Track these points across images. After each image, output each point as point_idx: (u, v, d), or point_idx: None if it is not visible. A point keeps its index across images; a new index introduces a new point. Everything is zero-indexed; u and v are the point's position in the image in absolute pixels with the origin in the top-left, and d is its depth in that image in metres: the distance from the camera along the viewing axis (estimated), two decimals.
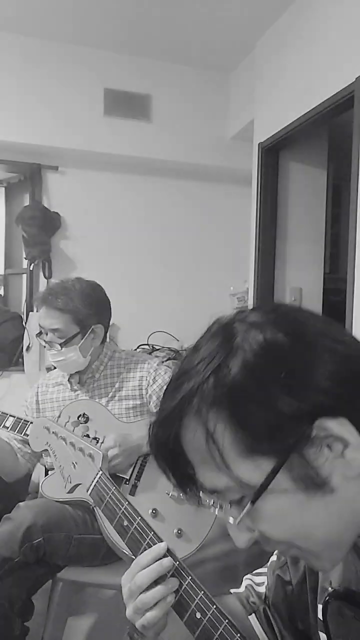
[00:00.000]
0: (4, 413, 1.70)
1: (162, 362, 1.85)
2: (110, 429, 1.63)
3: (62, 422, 1.59)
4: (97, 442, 1.64)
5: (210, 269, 3.63)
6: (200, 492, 0.63)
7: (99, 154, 3.26)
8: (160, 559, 0.77)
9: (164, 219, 3.57)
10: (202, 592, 0.73)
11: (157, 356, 3.04)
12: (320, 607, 0.71)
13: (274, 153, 2.96)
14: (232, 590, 0.90)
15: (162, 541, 0.80)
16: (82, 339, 1.72)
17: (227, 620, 0.69)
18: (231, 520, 0.60)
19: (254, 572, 0.91)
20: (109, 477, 0.95)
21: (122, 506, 0.89)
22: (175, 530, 1.56)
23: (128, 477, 1.63)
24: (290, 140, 2.82)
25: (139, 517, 0.85)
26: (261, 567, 0.90)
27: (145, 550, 0.80)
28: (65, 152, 3.23)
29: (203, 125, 3.40)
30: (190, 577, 0.75)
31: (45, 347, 1.75)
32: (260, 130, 2.99)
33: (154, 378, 1.76)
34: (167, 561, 0.77)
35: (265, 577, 0.87)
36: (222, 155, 3.45)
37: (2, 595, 1.47)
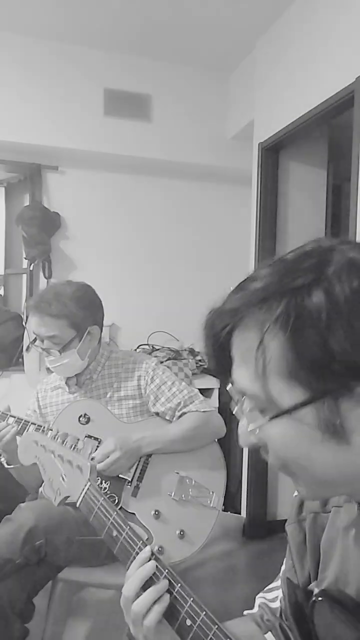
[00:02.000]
0: (5, 413, 1.68)
1: (161, 362, 1.84)
2: (111, 429, 1.63)
3: (52, 434, 1.58)
4: (98, 442, 1.64)
5: (210, 269, 3.63)
6: (230, 385, 0.64)
7: (99, 154, 3.26)
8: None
9: (164, 219, 3.57)
10: (192, 598, 0.73)
11: (156, 356, 3.04)
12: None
13: (274, 153, 2.96)
14: (245, 612, 0.89)
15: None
16: (79, 342, 1.71)
17: (216, 626, 0.69)
18: (244, 422, 0.62)
19: (265, 589, 0.90)
20: (97, 488, 0.95)
21: (111, 517, 0.89)
22: (177, 532, 1.56)
23: (130, 479, 1.63)
24: (290, 140, 2.82)
25: (128, 527, 0.86)
26: (272, 583, 0.90)
27: (134, 559, 0.80)
28: (65, 152, 3.24)
29: (203, 125, 3.40)
30: (179, 585, 0.74)
31: (42, 353, 1.74)
32: (260, 130, 2.99)
33: (152, 377, 1.75)
34: (150, 564, 0.76)
35: (278, 591, 0.86)
36: (222, 155, 3.45)
37: (3, 597, 1.47)
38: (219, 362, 0.64)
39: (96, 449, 1.62)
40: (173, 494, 1.59)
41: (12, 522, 1.53)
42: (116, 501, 1.57)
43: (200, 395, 1.78)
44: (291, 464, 0.60)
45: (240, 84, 3.32)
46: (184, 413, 1.71)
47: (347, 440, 0.56)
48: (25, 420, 1.69)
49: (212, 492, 1.63)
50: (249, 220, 3.11)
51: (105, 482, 1.60)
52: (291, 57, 2.69)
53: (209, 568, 2.59)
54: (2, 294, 3.48)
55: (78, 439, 1.64)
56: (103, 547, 1.56)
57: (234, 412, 0.64)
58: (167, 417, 1.73)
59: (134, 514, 1.58)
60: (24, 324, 3.30)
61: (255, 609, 0.89)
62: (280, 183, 3.00)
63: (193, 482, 1.62)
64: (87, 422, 1.66)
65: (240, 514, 3.10)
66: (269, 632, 0.84)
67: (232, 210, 3.64)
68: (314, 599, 0.69)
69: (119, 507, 1.56)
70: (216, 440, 1.75)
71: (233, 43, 3.07)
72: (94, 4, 2.73)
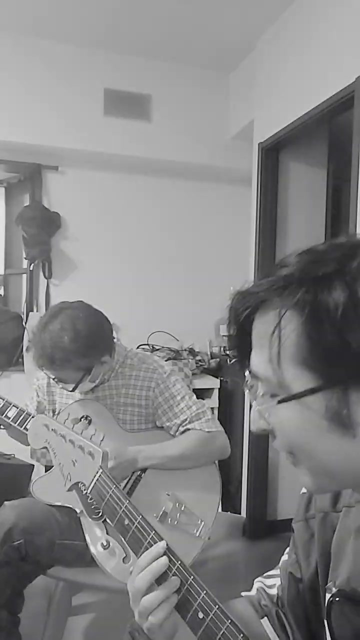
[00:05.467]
0: (8, 402, 1.67)
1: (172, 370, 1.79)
2: (109, 435, 1.57)
3: (61, 419, 1.59)
4: None
5: (210, 269, 3.63)
6: (246, 369, 0.65)
7: (99, 154, 3.26)
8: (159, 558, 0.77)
9: (164, 219, 3.57)
10: (205, 591, 0.72)
11: (156, 356, 3.03)
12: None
13: (274, 153, 2.96)
14: (243, 593, 0.89)
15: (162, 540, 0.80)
16: (90, 374, 1.64)
17: (229, 621, 0.69)
18: (255, 405, 0.63)
19: (264, 574, 0.90)
20: (109, 475, 0.94)
21: (123, 505, 0.88)
22: None
23: None
24: (290, 140, 2.81)
25: (140, 516, 0.85)
26: (272, 570, 0.89)
27: (146, 549, 0.80)
28: (65, 152, 3.23)
29: (203, 125, 3.40)
30: (192, 577, 0.74)
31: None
32: (260, 130, 2.99)
33: (162, 390, 1.70)
34: (164, 559, 0.76)
35: (276, 579, 0.86)
36: (222, 155, 3.45)
37: None
38: (239, 345, 0.65)
39: None
40: (159, 516, 1.51)
41: None
42: (100, 514, 1.46)
43: (209, 413, 1.71)
44: (296, 449, 0.61)
45: (240, 84, 3.32)
46: (187, 429, 1.65)
47: (353, 432, 0.56)
48: (27, 413, 1.67)
49: (201, 522, 1.55)
50: (249, 220, 3.11)
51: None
52: (291, 57, 2.69)
53: (209, 568, 2.59)
54: (2, 294, 3.48)
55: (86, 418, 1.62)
56: (86, 553, 1.52)
57: (248, 395, 0.65)
58: (171, 432, 1.68)
59: None
60: (24, 324, 3.30)
61: (253, 592, 0.89)
62: (280, 183, 3.00)
63: (183, 507, 1.54)
64: (88, 424, 1.63)
65: (240, 514, 3.10)
66: (265, 617, 0.84)
67: (232, 210, 3.63)
68: (330, 599, 0.68)
69: (102, 520, 1.47)
70: (215, 462, 1.68)
71: (233, 43, 3.07)
72: (94, 4, 2.72)
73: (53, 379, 1.68)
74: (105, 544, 1.42)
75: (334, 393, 0.56)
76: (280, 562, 0.86)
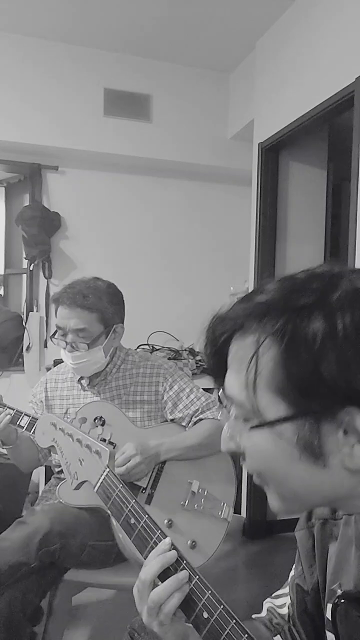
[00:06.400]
0: (19, 412, 1.66)
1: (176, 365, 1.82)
2: (127, 434, 1.60)
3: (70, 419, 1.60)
4: (114, 446, 1.60)
5: (210, 269, 3.63)
6: (220, 390, 0.66)
7: (99, 154, 3.26)
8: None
9: (164, 219, 3.57)
10: (210, 591, 0.72)
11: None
12: (329, 606, 0.71)
13: (274, 153, 2.96)
14: (254, 616, 0.89)
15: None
16: (105, 339, 1.68)
17: (234, 620, 0.69)
18: (227, 427, 0.65)
19: (273, 595, 0.90)
20: (115, 474, 0.94)
21: (129, 504, 0.88)
22: (189, 542, 1.55)
23: (145, 486, 1.60)
24: (290, 140, 2.81)
25: (146, 515, 0.85)
26: (280, 589, 0.90)
27: (152, 549, 0.80)
28: (65, 152, 3.23)
29: (203, 125, 3.40)
30: (197, 577, 0.74)
31: (65, 348, 1.67)
32: (260, 130, 2.99)
33: (171, 384, 1.73)
34: (172, 553, 0.76)
35: (285, 598, 0.87)
36: (222, 155, 3.45)
37: (15, 602, 1.44)
38: (215, 367, 0.66)
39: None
40: (186, 503, 1.58)
41: (27, 526, 1.51)
42: None
43: (217, 403, 1.76)
44: (266, 475, 0.62)
45: (240, 84, 3.32)
46: (200, 419, 1.69)
47: (323, 461, 0.57)
48: (17, 411, 1.66)
49: (223, 504, 1.62)
50: (249, 220, 3.11)
51: None
52: (291, 57, 2.69)
53: (209, 568, 2.59)
54: (2, 294, 3.48)
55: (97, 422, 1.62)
56: (113, 550, 1.55)
57: (219, 416, 0.67)
58: (184, 424, 1.71)
59: None
60: (24, 324, 3.30)
61: (264, 614, 0.89)
62: (280, 183, 3.00)
63: (205, 492, 1.61)
64: (102, 425, 1.62)
65: (240, 514, 3.10)
66: (278, 636, 0.84)
67: (232, 210, 3.64)
68: (336, 601, 0.69)
69: None
70: None
71: (233, 43, 3.07)
72: (94, 4, 2.72)
73: (64, 336, 1.66)
74: None
75: (306, 423, 0.56)
76: (289, 578, 0.86)
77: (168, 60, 3.28)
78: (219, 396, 0.67)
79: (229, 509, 1.63)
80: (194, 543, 1.55)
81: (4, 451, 1.75)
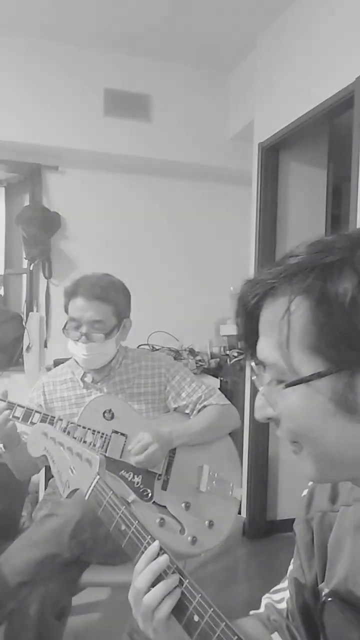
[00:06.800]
0: (12, 403, 1.65)
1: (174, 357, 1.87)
2: (136, 425, 1.65)
3: (84, 417, 1.62)
4: (126, 437, 1.64)
5: (210, 269, 3.63)
6: (252, 358, 0.66)
7: (99, 154, 3.26)
8: (156, 558, 0.77)
9: (164, 219, 3.57)
10: (200, 594, 0.72)
11: None
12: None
13: (274, 153, 2.96)
14: (251, 612, 0.90)
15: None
16: (117, 331, 1.74)
17: (224, 623, 0.69)
18: (261, 390, 0.64)
19: (272, 590, 0.91)
20: (106, 482, 0.95)
21: (120, 510, 0.89)
22: (207, 522, 1.62)
23: (160, 472, 1.65)
24: (290, 140, 2.82)
25: (136, 521, 0.85)
26: (279, 584, 0.90)
27: (142, 554, 0.80)
28: (65, 152, 3.24)
29: (203, 125, 3.40)
30: (187, 580, 0.74)
31: (78, 340, 1.69)
32: (260, 130, 2.99)
33: (173, 374, 1.79)
34: (163, 558, 0.77)
35: (284, 592, 0.87)
36: (222, 155, 3.45)
37: (47, 598, 1.44)
38: (246, 333, 0.66)
39: (123, 444, 1.63)
40: (200, 486, 1.66)
41: (58, 517, 1.52)
42: (150, 495, 1.60)
43: (218, 390, 1.84)
44: (301, 435, 0.61)
45: (240, 84, 3.32)
46: (204, 406, 1.77)
47: (358, 416, 0.57)
48: (28, 409, 1.64)
49: (232, 484, 1.71)
50: (249, 220, 3.11)
51: (137, 476, 1.62)
52: (291, 57, 2.69)
53: (209, 568, 2.59)
54: (2, 294, 3.48)
55: (101, 433, 1.64)
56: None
57: (253, 381, 0.66)
58: (187, 411, 1.78)
59: (165, 506, 1.60)
60: (24, 324, 3.30)
61: (262, 609, 0.89)
62: (280, 183, 3.00)
63: (215, 474, 1.69)
64: (111, 418, 1.66)
65: (240, 514, 3.10)
66: (276, 632, 0.84)
67: (232, 210, 3.64)
68: (323, 599, 0.69)
69: (152, 500, 1.59)
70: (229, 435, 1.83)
71: (233, 43, 3.07)
72: (94, 4, 2.73)
73: (76, 328, 1.69)
74: (160, 521, 1.55)
75: (341, 377, 0.57)
76: (288, 572, 0.86)
77: (168, 60, 3.28)
78: (250, 367, 0.66)
79: (238, 488, 1.72)
80: (211, 523, 1.62)
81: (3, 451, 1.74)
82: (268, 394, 0.63)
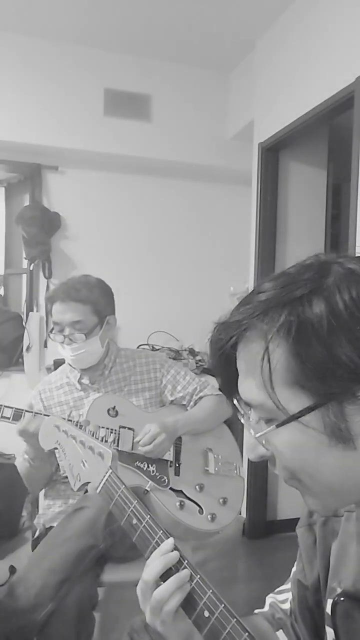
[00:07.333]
0: (19, 409, 1.63)
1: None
2: (140, 419, 1.71)
3: (90, 417, 1.65)
4: (133, 431, 1.69)
5: (210, 269, 3.63)
6: (236, 400, 0.66)
7: (99, 154, 3.26)
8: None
9: (164, 219, 3.58)
10: (211, 590, 0.73)
11: None
12: (329, 602, 0.71)
13: (274, 153, 2.96)
14: (256, 611, 0.90)
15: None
16: (100, 329, 1.77)
17: (235, 619, 0.69)
18: (252, 432, 0.64)
19: (276, 590, 0.91)
20: (118, 475, 0.95)
21: (132, 504, 0.88)
22: (220, 500, 1.71)
23: (171, 459, 1.72)
24: (290, 140, 2.82)
25: (148, 516, 0.85)
26: (283, 585, 0.90)
27: (154, 549, 0.80)
28: (65, 152, 3.24)
29: (203, 125, 3.40)
30: (198, 576, 0.75)
31: (62, 343, 1.74)
32: (260, 130, 2.99)
33: (167, 369, 1.87)
34: (175, 554, 0.77)
35: (288, 593, 0.87)
36: (222, 155, 3.45)
37: (85, 592, 1.46)
38: (226, 376, 0.66)
39: (132, 438, 1.68)
40: (209, 468, 1.76)
41: (89, 509, 1.54)
42: (166, 481, 1.66)
43: (209, 382, 1.91)
44: (299, 472, 0.61)
45: (240, 84, 3.32)
46: (201, 397, 1.86)
47: (353, 445, 0.57)
48: (17, 409, 1.63)
49: (235, 464, 1.83)
50: (249, 220, 3.11)
51: (151, 465, 1.67)
52: (291, 57, 2.69)
53: (209, 568, 2.59)
54: (2, 294, 3.48)
55: (110, 429, 1.67)
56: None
57: (243, 423, 0.65)
58: (184, 402, 1.86)
59: (181, 490, 1.67)
60: (24, 324, 3.30)
61: (266, 608, 0.89)
62: (280, 183, 3.00)
63: (220, 457, 1.81)
64: (116, 415, 1.71)
65: (240, 514, 3.10)
66: (280, 630, 0.84)
67: (232, 210, 3.64)
68: (335, 599, 0.69)
69: (169, 487, 1.65)
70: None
71: (233, 43, 3.07)
72: (94, 4, 2.73)
73: (61, 331, 1.73)
74: (180, 504, 1.62)
75: (330, 408, 0.56)
76: (291, 574, 0.87)
77: (168, 60, 3.28)
78: (234, 406, 0.66)
79: (241, 467, 1.86)
80: (225, 500, 1.72)
81: (4, 452, 1.74)
82: (259, 434, 0.63)
